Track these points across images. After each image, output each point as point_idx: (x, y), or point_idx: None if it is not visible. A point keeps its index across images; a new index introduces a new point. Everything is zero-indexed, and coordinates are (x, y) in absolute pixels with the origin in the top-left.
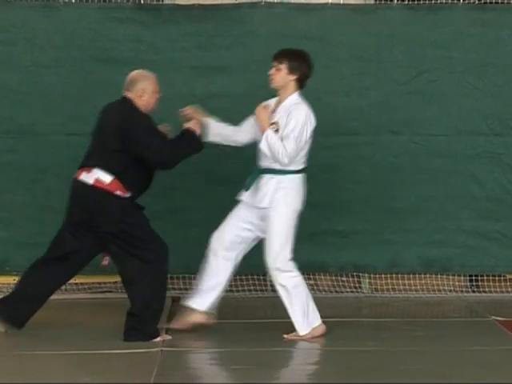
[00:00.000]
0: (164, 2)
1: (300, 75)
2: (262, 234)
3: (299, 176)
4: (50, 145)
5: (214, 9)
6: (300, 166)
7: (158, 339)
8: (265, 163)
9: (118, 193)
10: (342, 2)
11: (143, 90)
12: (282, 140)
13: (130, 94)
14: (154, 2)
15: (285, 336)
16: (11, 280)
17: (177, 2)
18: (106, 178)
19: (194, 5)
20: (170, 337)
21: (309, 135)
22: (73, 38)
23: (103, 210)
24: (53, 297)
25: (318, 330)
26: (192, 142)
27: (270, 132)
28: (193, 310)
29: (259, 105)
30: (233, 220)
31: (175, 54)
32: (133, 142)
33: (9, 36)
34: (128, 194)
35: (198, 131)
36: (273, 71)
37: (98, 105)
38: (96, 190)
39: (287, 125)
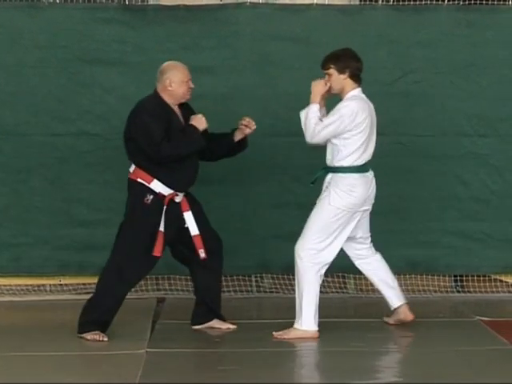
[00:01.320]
0: (149, 3)
1: (350, 71)
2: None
3: (353, 175)
4: (35, 145)
5: (199, 9)
6: (354, 163)
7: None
8: (328, 161)
9: (140, 180)
10: (327, 2)
11: (170, 80)
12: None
13: (158, 86)
14: (139, 3)
15: (274, 334)
16: None
17: (162, 3)
18: (131, 168)
19: (179, 5)
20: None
21: (348, 128)
22: (58, 39)
23: (128, 199)
24: (37, 298)
25: (309, 333)
26: (193, 138)
27: (314, 106)
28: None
29: (320, 79)
30: None
31: (160, 54)
32: (135, 137)
33: None
34: (155, 182)
35: (201, 127)
36: (326, 79)
37: (82, 105)
38: (128, 181)
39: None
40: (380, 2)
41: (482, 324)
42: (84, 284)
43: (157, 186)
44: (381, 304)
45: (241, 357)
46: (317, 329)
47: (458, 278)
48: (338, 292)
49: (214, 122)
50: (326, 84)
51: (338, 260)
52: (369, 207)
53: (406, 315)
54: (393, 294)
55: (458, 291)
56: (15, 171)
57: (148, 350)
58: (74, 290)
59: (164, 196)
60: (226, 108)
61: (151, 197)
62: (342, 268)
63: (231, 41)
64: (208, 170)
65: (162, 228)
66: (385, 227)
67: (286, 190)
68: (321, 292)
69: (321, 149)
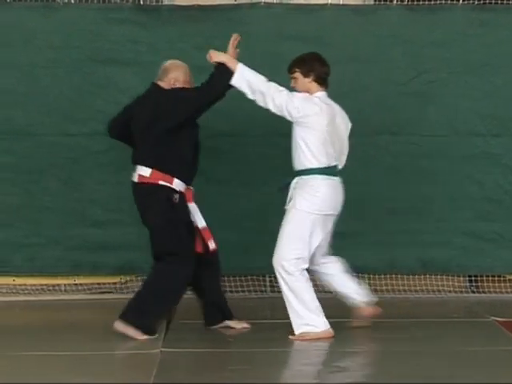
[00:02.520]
0: (163, 3)
1: (315, 75)
2: None
3: (316, 177)
4: (47, 145)
5: (213, 9)
6: (317, 166)
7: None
8: (295, 165)
9: (162, 182)
10: (341, 2)
11: (175, 79)
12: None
13: (161, 83)
14: (153, 3)
15: (290, 337)
16: (11, 281)
17: (176, 3)
18: (145, 171)
19: (193, 5)
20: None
21: (299, 111)
22: (71, 39)
23: (147, 204)
24: (51, 297)
25: (325, 333)
26: (223, 73)
27: (241, 65)
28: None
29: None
30: None
31: (174, 54)
32: (170, 107)
33: (6, 36)
34: (176, 181)
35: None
36: (292, 83)
37: (95, 105)
38: (140, 186)
39: None
40: (394, 2)
41: (496, 324)
42: (99, 284)
43: (177, 184)
44: (394, 304)
45: (254, 357)
46: (329, 327)
47: (473, 278)
48: None
49: (226, 122)
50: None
51: (352, 260)
52: (334, 213)
53: (369, 311)
54: (354, 292)
55: (473, 291)
56: (27, 171)
57: (162, 349)
58: (88, 289)
59: (183, 193)
60: (239, 107)
61: (177, 196)
62: (355, 268)
63: (245, 41)
64: (219, 170)
65: (198, 224)
66: (399, 227)
67: None
68: (335, 291)
69: None
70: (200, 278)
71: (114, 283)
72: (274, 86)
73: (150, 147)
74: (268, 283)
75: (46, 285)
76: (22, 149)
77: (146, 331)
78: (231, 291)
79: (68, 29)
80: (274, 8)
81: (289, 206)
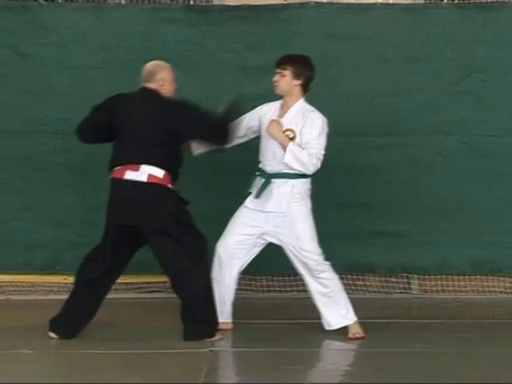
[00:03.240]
0: (213, 3)
1: (304, 80)
2: (273, 239)
3: (309, 180)
4: (100, 145)
5: (263, 9)
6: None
7: (217, 337)
8: (275, 168)
9: (170, 186)
10: (391, 1)
11: (163, 80)
12: (302, 147)
13: (151, 85)
14: (203, 3)
15: (350, 336)
16: (62, 279)
17: (226, 3)
18: (158, 172)
19: (243, 5)
20: (221, 336)
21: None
22: (122, 40)
23: (161, 206)
24: None
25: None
26: (234, 109)
27: (292, 146)
28: None
29: (271, 121)
30: (239, 227)
31: (224, 54)
32: (191, 128)
33: (59, 38)
34: (173, 186)
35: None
36: (277, 78)
37: None
38: (152, 186)
39: (306, 133)
40: (444, 1)
41: None
42: (148, 283)
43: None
44: (445, 305)
45: (304, 356)
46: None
47: None
48: (401, 292)
49: None
50: (277, 121)
51: (402, 260)
52: None
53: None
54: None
55: None
56: (80, 171)
57: (212, 348)
58: (138, 288)
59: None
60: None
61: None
62: (405, 268)
63: (294, 41)
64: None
65: None
66: (450, 228)
67: (349, 190)
68: (385, 293)
69: (382, 148)
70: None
71: (164, 282)
72: (310, 155)
73: (163, 151)
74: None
75: None
76: (76, 149)
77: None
78: (281, 291)
79: (119, 29)
80: (324, 7)
81: (286, 209)
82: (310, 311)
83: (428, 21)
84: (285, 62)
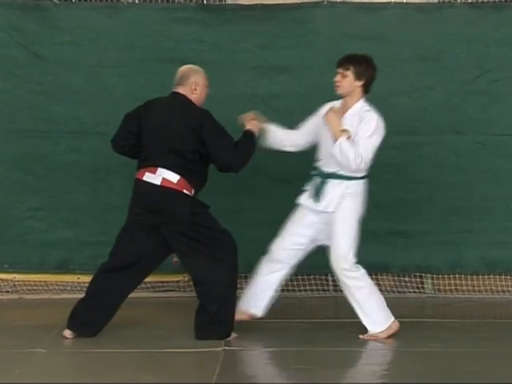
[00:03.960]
0: (227, 2)
1: (366, 80)
2: (324, 238)
3: (364, 181)
4: None
5: (277, 8)
6: (365, 172)
7: (231, 337)
8: (331, 168)
9: (186, 191)
10: (404, 0)
11: (196, 84)
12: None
13: (182, 89)
14: (217, 2)
15: (360, 336)
16: (75, 278)
17: (239, 2)
18: (173, 177)
19: (256, 5)
20: (236, 335)
21: (379, 143)
22: (136, 39)
23: (173, 209)
24: None
25: (392, 328)
26: (253, 143)
27: (343, 140)
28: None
29: (329, 109)
30: (295, 227)
31: (237, 54)
32: (206, 144)
33: (73, 37)
34: (193, 192)
35: (256, 132)
36: (339, 78)
37: None
38: (164, 189)
39: (359, 131)
40: (458, 0)
41: None
42: (162, 282)
43: (194, 194)
44: (458, 304)
45: (317, 356)
46: (393, 319)
47: None
48: (415, 292)
49: (290, 121)
50: (335, 110)
51: (416, 260)
52: None
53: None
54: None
55: None
56: (94, 170)
57: (225, 348)
58: (152, 287)
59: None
60: (302, 107)
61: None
62: (419, 268)
63: (308, 40)
64: (282, 169)
65: None
66: (463, 227)
67: None
68: (398, 292)
69: (396, 148)
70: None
71: (177, 281)
72: (358, 154)
73: (180, 156)
74: (331, 282)
75: None
76: (89, 148)
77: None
78: (294, 290)
79: (132, 28)
80: (337, 7)
81: (335, 209)
82: (323, 310)
83: (441, 20)
84: (347, 62)
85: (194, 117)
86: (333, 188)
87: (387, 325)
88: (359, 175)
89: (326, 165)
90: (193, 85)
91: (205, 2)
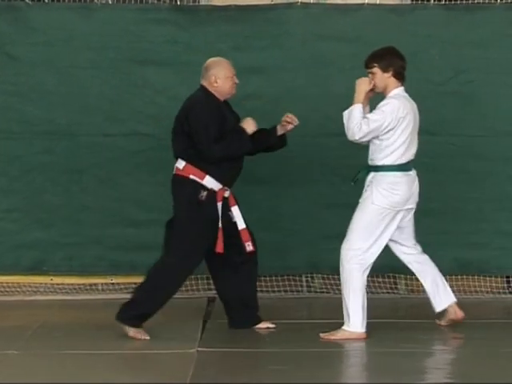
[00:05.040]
0: (200, 3)
1: (394, 70)
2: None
3: (395, 173)
4: (87, 145)
5: (251, 10)
6: (396, 162)
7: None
8: (370, 161)
9: (192, 177)
10: (378, 2)
11: (215, 76)
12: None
13: (204, 82)
14: (191, 3)
15: (321, 335)
16: (48, 280)
17: (213, 3)
18: (180, 164)
19: (230, 6)
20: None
21: (390, 126)
22: (110, 40)
23: (173, 194)
24: (89, 297)
25: (357, 335)
26: (242, 142)
27: (358, 106)
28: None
29: (367, 79)
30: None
31: (212, 55)
32: (191, 132)
33: (46, 37)
34: (207, 178)
35: (250, 131)
36: (370, 79)
37: (134, 106)
38: (173, 177)
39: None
40: (431, 2)
41: None
42: (135, 283)
43: (209, 182)
44: (431, 305)
45: (291, 357)
46: (364, 331)
47: (511, 279)
48: (388, 293)
49: (264, 122)
50: (370, 82)
51: (389, 261)
52: (413, 206)
53: (457, 314)
54: (444, 293)
55: (511, 292)
56: (68, 171)
57: (199, 349)
58: (125, 288)
59: (215, 192)
60: (276, 108)
61: (205, 193)
62: (392, 269)
63: (282, 41)
64: (258, 170)
65: (220, 224)
66: (437, 228)
67: (336, 191)
68: (371, 292)
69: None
70: (229, 278)
71: None
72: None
73: (187, 142)
74: (304, 283)
75: (83, 284)
76: (62, 149)
77: (131, 324)
78: (267, 291)
79: (106, 29)
80: (311, 8)
81: (363, 200)
82: (297, 311)
83: (415, 21)
84: (370, 60)
85: (183, 108)
86: (367, 180)
87: (358, 330)
88: (386, 164)
89: (369, 158)
90: (212, 77)
91: (178, 2)
